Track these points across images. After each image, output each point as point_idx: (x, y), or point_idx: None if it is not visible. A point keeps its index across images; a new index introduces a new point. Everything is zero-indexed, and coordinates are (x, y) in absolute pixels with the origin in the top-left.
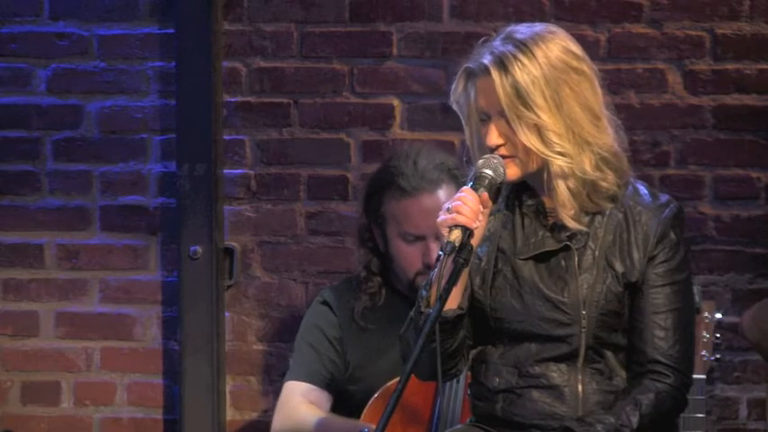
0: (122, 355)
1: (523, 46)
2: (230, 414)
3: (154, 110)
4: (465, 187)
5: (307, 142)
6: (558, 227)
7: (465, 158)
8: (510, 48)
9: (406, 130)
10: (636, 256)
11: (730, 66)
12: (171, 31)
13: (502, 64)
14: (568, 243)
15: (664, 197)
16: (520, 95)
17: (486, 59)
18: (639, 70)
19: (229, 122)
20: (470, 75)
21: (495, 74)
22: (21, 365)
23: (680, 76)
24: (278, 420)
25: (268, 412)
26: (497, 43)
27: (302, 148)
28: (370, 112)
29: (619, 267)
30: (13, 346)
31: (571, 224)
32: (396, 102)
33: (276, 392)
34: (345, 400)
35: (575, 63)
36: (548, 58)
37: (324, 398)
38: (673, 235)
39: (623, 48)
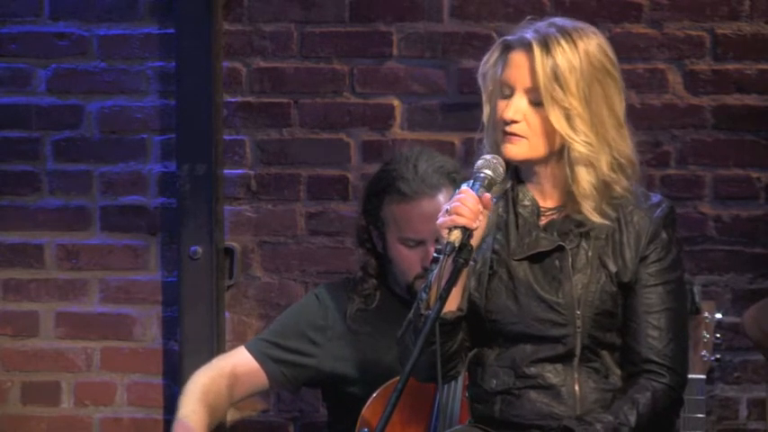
0: (122, 355)
1: (567, 34)
2: (230, 414)
3: (154, 110)
4: (464, 188)
5: (307, 142)
6: (552, 227)
7: (477, 140)
8: (554, 31)
9: (406, 130)
10: (628, 255)
11: (730, 66)
12: (171, 31)
13: (545, 44)
14: (562, 243)
15: (656, 197)
16: (557, 78)
17: (530, 35)
18: (640, 70)
19: (229, 122)
20: (507, 48)
21: (537, 51)
22: (21, 365)
23: (680, 76)
24: (200, 370)
25: (268, 412)
26: (542, 25)
27: (302, 148)
28: (370, 112)
29: (612, 267)
30: (13, 346)
31: (595, 218)
32: (396, 102)
33: (276, 393)
34: (343, 401)
35: (609, 66)
36: (587, 52)
37: (253, 378)
38: (664, 234)
39: (623, 48)
